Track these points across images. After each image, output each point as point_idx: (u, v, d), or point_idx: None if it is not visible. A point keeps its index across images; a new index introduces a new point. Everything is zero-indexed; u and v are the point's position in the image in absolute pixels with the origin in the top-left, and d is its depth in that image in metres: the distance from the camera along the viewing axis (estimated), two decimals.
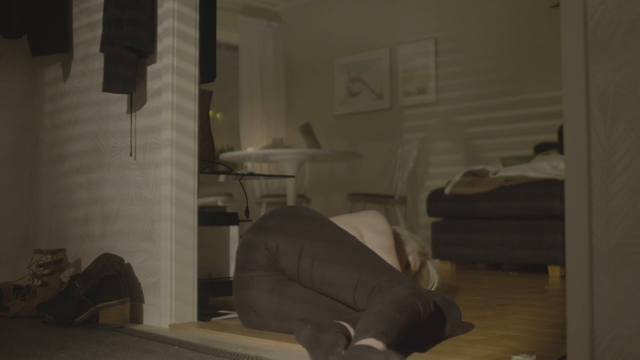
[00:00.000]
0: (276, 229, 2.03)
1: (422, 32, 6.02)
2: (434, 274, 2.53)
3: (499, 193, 4.24)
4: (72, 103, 2.88)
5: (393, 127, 6.21)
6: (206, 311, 2.47)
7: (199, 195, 2.49)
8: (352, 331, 1.69)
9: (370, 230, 2.24)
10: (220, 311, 2.50)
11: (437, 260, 4.96)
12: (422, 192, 5.79)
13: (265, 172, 6.41)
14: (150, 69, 2.46)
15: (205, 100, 2.77)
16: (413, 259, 2.47)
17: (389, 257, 2.22)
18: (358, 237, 2.21)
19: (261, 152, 5.22)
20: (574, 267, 1.38)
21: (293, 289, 2.00)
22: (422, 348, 1.78)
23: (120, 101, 2.60)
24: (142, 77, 2.49)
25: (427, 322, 1.82)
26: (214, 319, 2.38)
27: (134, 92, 2.47)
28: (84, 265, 2.70)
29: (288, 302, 1.99)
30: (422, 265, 2.53)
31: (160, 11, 2.42)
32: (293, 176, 3.81)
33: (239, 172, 2.81)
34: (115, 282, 2.30)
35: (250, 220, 2.93)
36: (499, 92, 5.46)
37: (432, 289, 2.48)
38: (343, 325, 1.69)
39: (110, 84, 2.44)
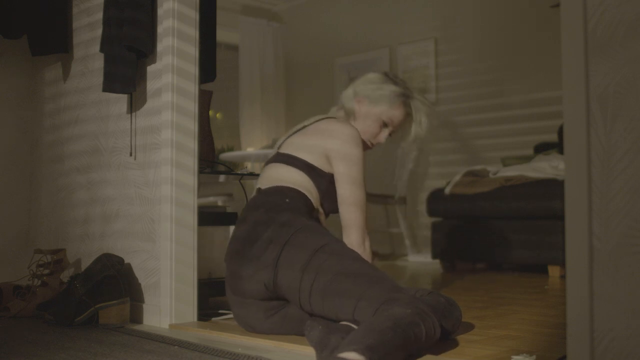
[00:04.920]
0: (271, 263, 1.89)
1: (422, 32, 6.02)
2: (420, 120, 2.21)
3: (499, 193, 4.24)
4: (72, 103, 2.88)
5: None
6: (206, 311, 2.47)
7: (199, 195, 2.49)
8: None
9: (341, 159, 2.06)
10: (220, 311, 2.50)
11: (436, 260, 4.96)
12: (422, 192, 5.79)
13: None
14: (150, 69, 2.46)
15: (205, 100, 2.77)
16: (376, 120, 2.19)
17: (358, 189, 2.06)
18: (325, 163, 2.07)
19: (261, 152, 5.22)
20: (574, 267, 1.38)
21: (295, 310, 1.96)
22: (432, 351, 1.77)
23: (120, 101, 2.60)
24: (142, 77, 2.49)
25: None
26: (214, 319, 2.38)
27: (134, 92, 2.47)
28: (84, 265, 2.70)
29: (290, 321, 1.97)
30: (407, 112, 2.21)
31: (160, 11, 2.42)
32: None
33: (239, 172, 2.81)
34: (115, 282, 2.30)
35: None
36: (499, 92, 5.46)
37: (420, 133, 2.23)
38: (352, 328, 1.67)
39: (110, 84, 2.44)
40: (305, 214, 2.01)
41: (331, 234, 1.97)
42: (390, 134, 2.24)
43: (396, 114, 2.19)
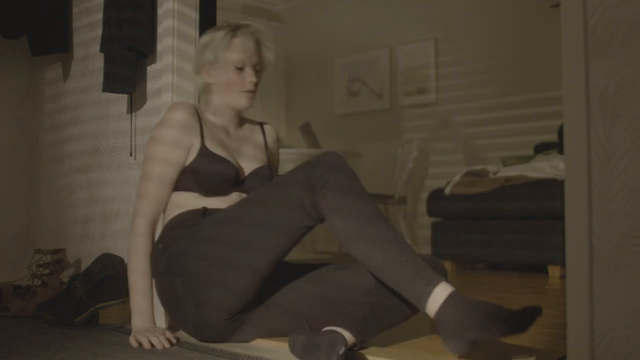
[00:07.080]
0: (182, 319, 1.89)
1: (422, 32, 6.02)
2: (257, 40, 2.10)
3: (499, 193, 4.24)
4: (72, 103, 2.88)
5: (393, 127, 6.21)
6: None
7: None
8: (347, 335, 1.61)
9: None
10: None
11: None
12: (422, 192, 5.79)
13: None
14: (150, 69, 2.47)
15: None
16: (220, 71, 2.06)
17: (141, 179, 1.97)
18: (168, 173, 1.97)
19: None
20: (574, 267, 1.38)
21: (292, 308, 1.92)
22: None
23: (120, 101, 2.60)
24: (142, 77, 2.49)
25: None
26: None
27: (134, 92, 2.47)
28: (84, 265, 2.70)
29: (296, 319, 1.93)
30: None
31: (160, 11, 2.43)
32: None
33: None
34: (115, 282, 2.30)
35: None
36: (499, 92, 5.46)
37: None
38: (336, 330, 1.60)
39: (110, 84, 2.44)
40: (179, 229, 1.91)
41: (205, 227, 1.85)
42: (257, 71, 2.11)
43: (235, 51, 2.06)
